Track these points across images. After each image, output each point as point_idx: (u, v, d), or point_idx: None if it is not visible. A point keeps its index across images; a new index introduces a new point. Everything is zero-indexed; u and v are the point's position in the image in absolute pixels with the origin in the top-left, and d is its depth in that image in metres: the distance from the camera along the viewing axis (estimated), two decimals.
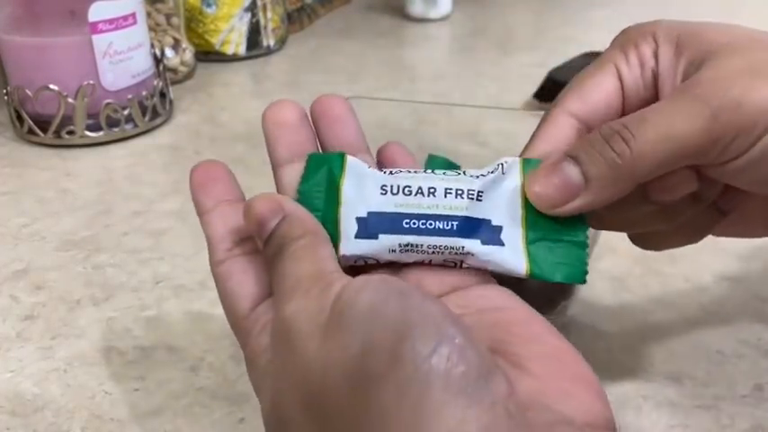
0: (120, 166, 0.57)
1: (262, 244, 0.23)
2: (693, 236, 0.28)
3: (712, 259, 0.42)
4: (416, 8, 0.98)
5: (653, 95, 0.27)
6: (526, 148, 0.27)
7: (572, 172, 0.24)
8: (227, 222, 0.25)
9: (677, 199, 0.26)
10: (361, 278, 0.20)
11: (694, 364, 0.35)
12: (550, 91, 0.63)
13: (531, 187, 0.25)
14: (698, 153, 0.23)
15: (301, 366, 0.20)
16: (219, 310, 0.39)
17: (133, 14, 0.59)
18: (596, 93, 0.27)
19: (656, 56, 0.26)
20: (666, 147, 0.23)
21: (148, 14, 0.70)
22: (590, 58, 0.68)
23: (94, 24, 0.57)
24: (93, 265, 0.43)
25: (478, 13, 1.04)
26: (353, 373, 0.19)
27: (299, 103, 0.28)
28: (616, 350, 0.36)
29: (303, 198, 0.26)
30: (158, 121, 0.63)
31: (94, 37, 0.57)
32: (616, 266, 0.42)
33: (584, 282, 0.25)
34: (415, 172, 0.26)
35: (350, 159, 0.26)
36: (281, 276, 0.22)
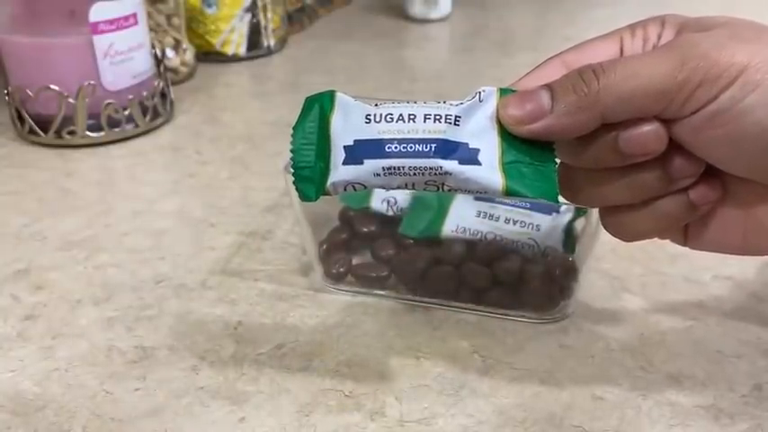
0: (120, 166, 0.57)
1: None
2: (663, 224, 0.28)
3: (712, 259, 0.42)
4: (416, 8, 0.98)
5: None
6: (514, 83, 0.28)
7: (543, 97, 0.26)
8: None
9: (646, 156, 0.26)
10: None
11: (694, 364, 0.35)
12: None
13: (502, 108, 0.26)
14: (663, 96, 0.25)
15: None
16: (219, 310, 0.39)
17: (134, 15, 0.59)
18: (594, 50, 0.28)
19: (659, 36, 0.28)
20: (632, 83, 0.25)
21: (149, 15, 0.70)
22: None
23: (95, 24, 0.57)
24: (94, 265, 0.43)
25: (478, 14, 1.04)
26: None
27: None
28: (616, 350, 0.36)
29: (298, 136, 0.27)
30: (159, 121, 0.63)
31: (95, 37, 0.57)
32: (616, 266, 0.42)
33: (556, 201, 0.26)
34: (399, 102, 0.28)
35: (339, 95, 0.28)
36: None
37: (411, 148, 0.26)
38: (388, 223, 0.40)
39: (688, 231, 0.30)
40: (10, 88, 0.59)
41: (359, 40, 0.91)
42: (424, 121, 0.27)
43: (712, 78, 0.24)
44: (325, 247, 0.41)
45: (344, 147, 0.27)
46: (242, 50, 0.82)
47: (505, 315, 0.38)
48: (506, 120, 0.26)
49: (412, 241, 0.39)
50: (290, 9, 0.92)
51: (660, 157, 0.26)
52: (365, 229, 0.41)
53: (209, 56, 0.81)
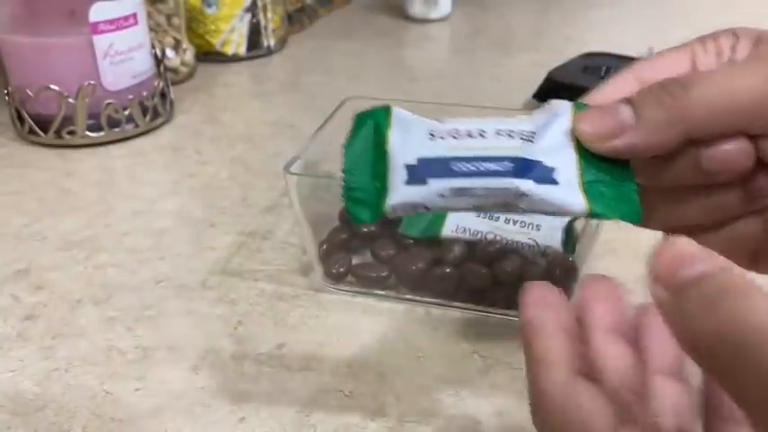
0: (120, 166, 0.57)
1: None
2: (735, 246, 0.27)
3: None
4: (416, 8, 0.98)
5: None
6: (585, 99, 0.27)
7: (624, 111, 0.24)
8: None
9: (730, 175, 0.24)
10: None
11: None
12: (550, 91, 0.63)
13: (580, 123, 0.25)
14: (754, 112, 0.23)
15: None
16: (219, 310, 0.39)
17: (134, 15, 0.59)
18: (667, 64, 0.27)
19: (733, 49, 0.26)
20: (722, 98, 0.23)
21: (149, 15, 0.70)
22: (589, 59, 0.68)
23: (95, 24, 0.57)
24: (94, 265, 0.43)
25: (478, 13, 1.04)
26: None
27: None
28: None
29: (350, 155, 0.25)
30: (159, 121, 0.63)
31: (95, 37, 0.57)
32: (616, 266, 0.42)
33: (639, 221, 0.24)
34: (464, 117, 0.25)
35: (395, 110, 0.26)
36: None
37: (482, 166, 0.24)
38: (388, 223, 0.40)
39: (759, 255, 0.28)
40: (10, 88, 0.59)
41: (359, 40, 0.91)
42: (496, 137, 0.24)
43: None
44: (325, 247, 0.41)
45: (406, 165, 0.24)
46: (242, 50, 0.82)
47: (505, 315, 0.38)
48: (585, 136, 0.24)
49: (412, 241, 0.39)
50: (290, 9, 0.92)
51: (742, 176, 0.25)
52: (365, 229, 0.41)
53: (209, 56, 0.81)
